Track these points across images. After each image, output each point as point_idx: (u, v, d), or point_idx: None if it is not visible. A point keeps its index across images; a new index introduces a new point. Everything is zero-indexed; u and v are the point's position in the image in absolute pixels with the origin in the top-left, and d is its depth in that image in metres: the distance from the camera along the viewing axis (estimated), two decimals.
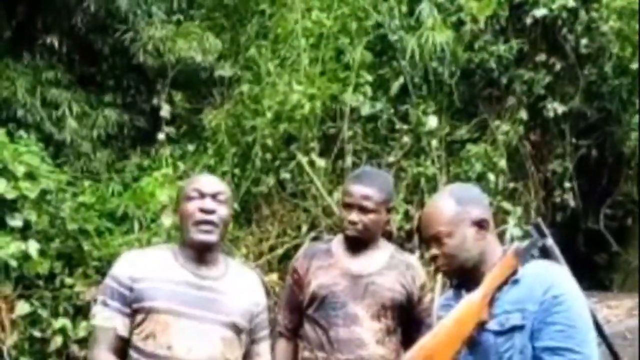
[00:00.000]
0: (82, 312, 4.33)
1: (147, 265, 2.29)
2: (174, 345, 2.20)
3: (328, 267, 2.74)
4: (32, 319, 4.24)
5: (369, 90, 5.53)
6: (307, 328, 2.75)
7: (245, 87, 5.75)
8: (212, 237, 2.28)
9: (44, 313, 4.26)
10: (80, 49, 6.13)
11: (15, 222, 4.22)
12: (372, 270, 2.72)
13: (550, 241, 1.89)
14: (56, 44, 5.85)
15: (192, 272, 2.29)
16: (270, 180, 5.41)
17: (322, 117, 5.49)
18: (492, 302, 1.83)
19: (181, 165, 5.57)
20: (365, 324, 2.66)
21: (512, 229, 5.23)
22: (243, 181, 5.45)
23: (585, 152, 6.44)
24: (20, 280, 4.23)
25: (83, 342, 4.13)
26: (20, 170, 4.29)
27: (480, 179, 5.52)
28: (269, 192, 5.45)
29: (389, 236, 4.56)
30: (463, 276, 1.94)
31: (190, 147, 5.97)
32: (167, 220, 4.65)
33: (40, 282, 4.31)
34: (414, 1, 5.85)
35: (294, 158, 5.42)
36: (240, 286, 2.37)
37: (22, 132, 5.11)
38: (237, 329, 2.31)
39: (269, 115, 5.39)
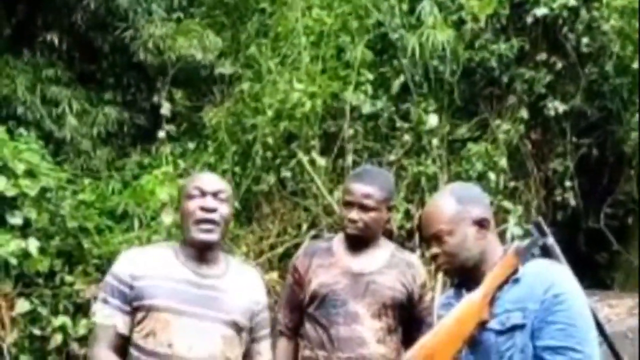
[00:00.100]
0: (82, 310, 4.33)
1: (148, 263, 2.29)
2: (174, 343, 2.20)
3: (329, 266, 2.74)
4: (32, 317, 4.23)
5: (369, 88, 5.52)
6: (308, 327, 2.75)
7: (245, 85, 5.75)
8: (213, 236, 2.28)
9: (44, 311, 4.26)
10: (81, 47, 6.12)
11: (15, 219, 4.22)
12: (373, 268, 2.72)
13: (551, 240, 1.89)
14: (56, 41, 5.84)
15: (192, 270, 2.29)
16: (271, 179, 5.42)
17: (322, 116, 5.48)
18: (492, 301, 1.83)
19: (181, 163, 5.56)
20: (366, 322, 2.66)
21: (512, 228, 5.23)
22: (243, 179, 5.45)
23: (586, 151, 6.42)
24: (20, 278, 4.23)
25: (83, 340, 4.13)
26: (20, 167, 4.29)
27: (481, 177, 5.51)
28: (269, 190, 5.45)
29: (389, 235, 4.57)
30: (464, 275, 1.94)
31: (191, 145, 5.97)
32: (167, 218, 4.65)
33: (40, 280, 4.31)
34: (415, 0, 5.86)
35: (294, 156, 5.42)
36: (241, 284, 2.37)
37: (22, 130, 5.09)
38: (237, 327, 2.31)
39: (269, 113, 5.39)
